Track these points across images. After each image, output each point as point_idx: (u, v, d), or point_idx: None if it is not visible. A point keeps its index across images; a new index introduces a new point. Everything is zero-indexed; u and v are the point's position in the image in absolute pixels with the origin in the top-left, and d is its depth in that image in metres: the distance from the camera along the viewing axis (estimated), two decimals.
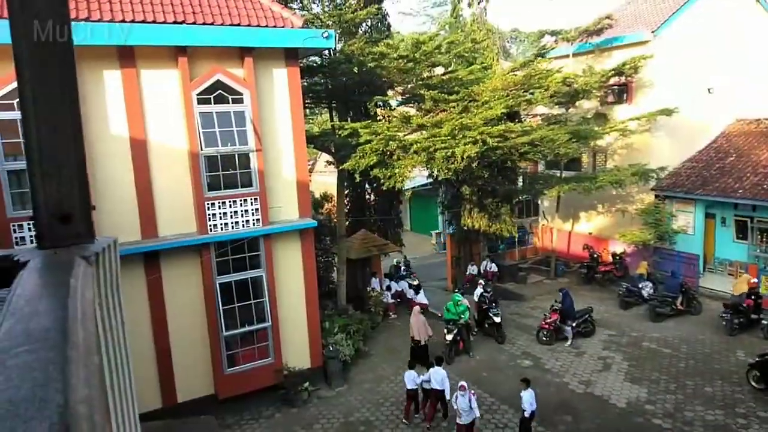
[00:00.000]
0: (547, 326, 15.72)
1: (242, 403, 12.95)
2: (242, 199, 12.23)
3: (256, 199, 12.31)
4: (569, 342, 15.61)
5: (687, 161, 21.07)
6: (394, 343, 16.79)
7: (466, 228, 20.61)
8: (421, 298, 19.00)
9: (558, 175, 21.51)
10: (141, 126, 11.45)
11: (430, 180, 22.99)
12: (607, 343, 15.73)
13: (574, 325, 15.66)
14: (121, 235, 11.45)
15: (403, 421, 12.16)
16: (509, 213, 20.78)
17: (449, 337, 15.03)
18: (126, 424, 1.81)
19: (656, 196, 20.70)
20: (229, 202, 12.13)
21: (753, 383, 12.62)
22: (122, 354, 1.75)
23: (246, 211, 12.26)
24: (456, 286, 22.04)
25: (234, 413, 12.82)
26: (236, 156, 12.22)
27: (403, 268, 22.24)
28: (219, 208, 12.07)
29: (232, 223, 12.17)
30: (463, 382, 10.42)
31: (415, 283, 20.39)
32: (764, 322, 15.18)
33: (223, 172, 12.19)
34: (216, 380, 12.62)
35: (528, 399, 10.75)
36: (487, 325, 16.42)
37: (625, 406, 12.17)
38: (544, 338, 15.67)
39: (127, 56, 11.09)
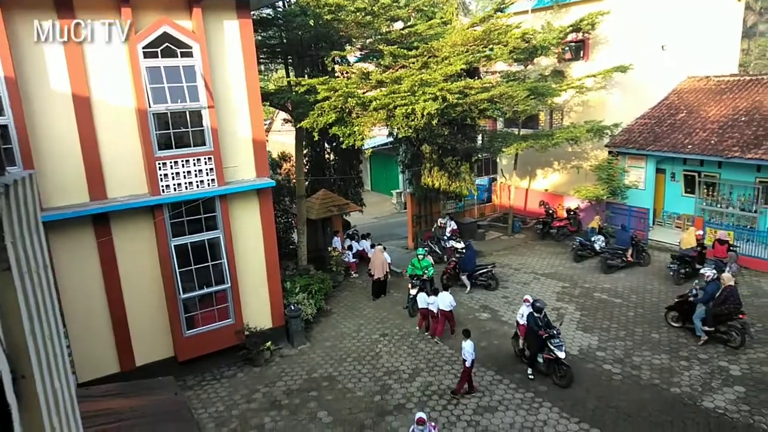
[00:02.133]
0: (445, 272, 17.26)
1: (203, 364, 12.91)
2: (195, 158, 11.83)
3: (210, 158, 11.93)
4: (468, 290, 16.77)
5: (640, 118, 21.55)
6: (355, 301, 16.93)
7: (426, 187, 20.67)
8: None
9: (516, 132, 21.69)
10: (84, 82, 10.82)
11: (390, 139, 22.83)
12: (560, 294, 16.29)
13: (466, 275, 16.74)
14: (67, 197, 11.02)
15: (417, 329, 14.53)
16: (469, 171, 20.93)
17: (413, 291, 15.26)
18: (54, 366, 1.70)
19: (610, 153, 21.18)
20: (182, 161, 11.72)
21: (671, 323, 13.68)
22: (46, 298, 1.63)
23: (200, 171, 11.88)
24: (416, 245, 22.30)
25: (195, 374, 12.79)
26: (187, 113, 11.76)
27: (449, 229, 20.29)
28: (171, 168, 11.65)
29: (185, 183, 11.79)
30: (421, 414, 8.69)
31: (460, 246, 17.94)
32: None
33: (174, 131, 11.74)
34: (175, 343, 12.49)
35: (469, 349, 11.16)
36: (542, 360, 11.61)
37: (578, 353, 12.71)
38: (444, 280, 16.71)
39: (65, 6, 10.35)
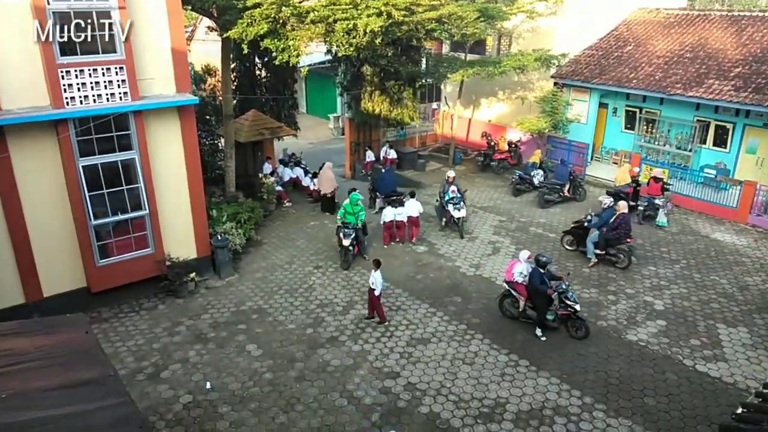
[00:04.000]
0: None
1: (120, 295, 12.48)
2: (104, 67, 10.80)
3: (121, 68, 10.93)
4: (375, 210, 17.57)
5: (587, 49, 21.71)
6: (288, 231, 16.72)
7: (366, 112, 20.18)
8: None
9: (463, 58, 21.35)
10: None
11: (329, 57, 21.89)
12: (497, 228, 16.77)
13: (383, 197, 17.52)
14: None
15: (384, 245, 15.49)
16: (412, 97, 20.55)
17: (346, 242, 14.14)
18: None
19: (555, 84, 21.37)
20: (89, 70, 10.68)
21: (566, 246, 15.11)
22: None
23: (110, 82, 10.88)
24: (354, 174, 22.09)
25: (111, 306, 12.36)
26: (94, 14, 10.57)
27: (452, 188, 16.20)
28: (76, 77, 10.62)
29: (93, 96, 10.80)
30: None
31: (459, 214, 15.87)
32: (640, 208, 16.86)
33: (79, 34, 10.56)
34: (87, 272, 11.92)
35: (379, 279, 11.65)
36: (553, 318, 11.28)
37: None
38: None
39: None
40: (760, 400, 4.63)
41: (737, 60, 18.12)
